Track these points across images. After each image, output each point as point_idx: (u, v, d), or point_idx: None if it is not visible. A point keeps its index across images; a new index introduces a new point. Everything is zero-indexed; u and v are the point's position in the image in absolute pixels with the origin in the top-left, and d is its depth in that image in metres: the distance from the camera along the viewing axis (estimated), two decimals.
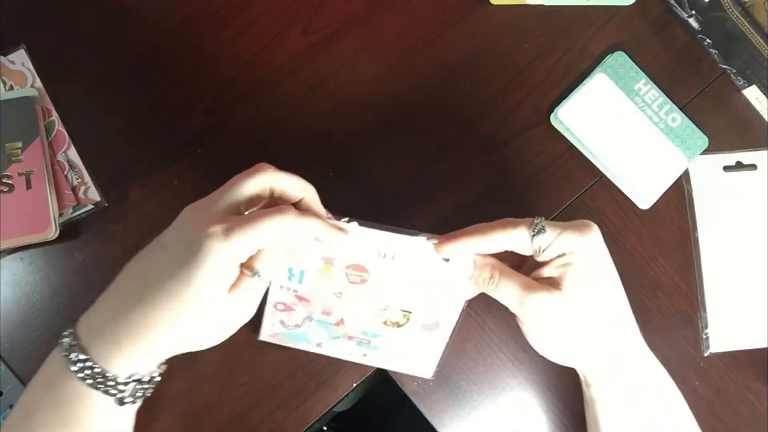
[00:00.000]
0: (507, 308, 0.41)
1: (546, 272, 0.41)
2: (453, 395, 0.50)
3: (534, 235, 0.39)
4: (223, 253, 0.35)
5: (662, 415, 0.44)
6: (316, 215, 0.39)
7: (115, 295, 0.37)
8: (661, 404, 0.44)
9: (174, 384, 0.48)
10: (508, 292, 0.40)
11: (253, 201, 0.39)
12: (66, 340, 0.36)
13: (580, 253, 0.39)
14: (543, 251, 0.40)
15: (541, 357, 0.43)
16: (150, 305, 0.35)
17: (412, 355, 0.47)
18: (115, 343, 0.35)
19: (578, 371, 0.45)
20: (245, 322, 0.39)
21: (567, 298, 0.39)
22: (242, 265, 0.37)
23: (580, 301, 0.40)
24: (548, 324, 0.40)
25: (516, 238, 0.40)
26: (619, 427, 0.44)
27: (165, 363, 0.39)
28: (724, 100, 0.56)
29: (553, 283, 0.40)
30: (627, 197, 0.54)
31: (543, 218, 0.40)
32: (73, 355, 0.35)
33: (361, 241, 0.41)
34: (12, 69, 0.51)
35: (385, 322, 0.45)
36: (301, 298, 0.45)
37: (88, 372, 0.35)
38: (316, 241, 0.40)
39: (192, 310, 0.35)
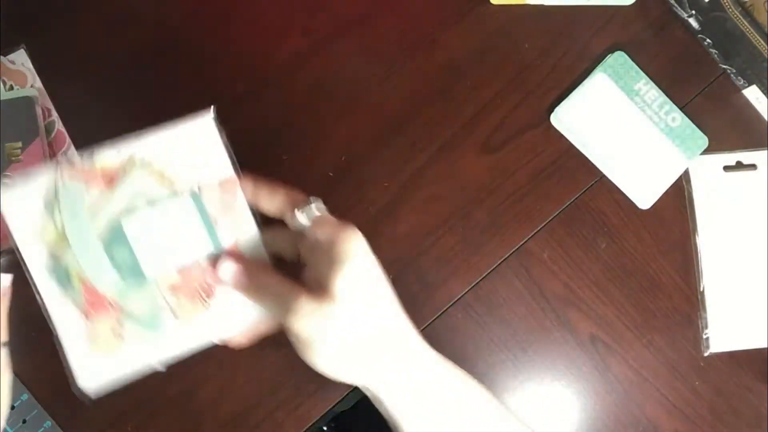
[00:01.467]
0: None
1: (310, 273, 0.37)
2: None
3: (299, 209, 0.37)
4: None
5: (465, 419, 0.39)
6: None
7: None
8: (460, 408, 0.39)
9: (174, 384, 0.48)
10: (273, 295, 0.36)
11: None
12: None
13: (343, 246, 0.35)
14: (301, 231, 0.37)
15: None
16: None
17: None
18: None
19: (368, 391, 0.38)
20: None
21: (337, 303, 0.34)
22: None
23: (351, 307, 0.35)
24: (319, 334, 0.35)
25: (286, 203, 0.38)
26: None
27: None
28: (724, 100, 0.56)
29: (320, 287, 0.35)
30: (627, 197, 0.54)
31: (321, 201, 0.38)
32: None
33: None
34: (12, 69, 0.51)
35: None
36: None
37: None
38: None
39: None
